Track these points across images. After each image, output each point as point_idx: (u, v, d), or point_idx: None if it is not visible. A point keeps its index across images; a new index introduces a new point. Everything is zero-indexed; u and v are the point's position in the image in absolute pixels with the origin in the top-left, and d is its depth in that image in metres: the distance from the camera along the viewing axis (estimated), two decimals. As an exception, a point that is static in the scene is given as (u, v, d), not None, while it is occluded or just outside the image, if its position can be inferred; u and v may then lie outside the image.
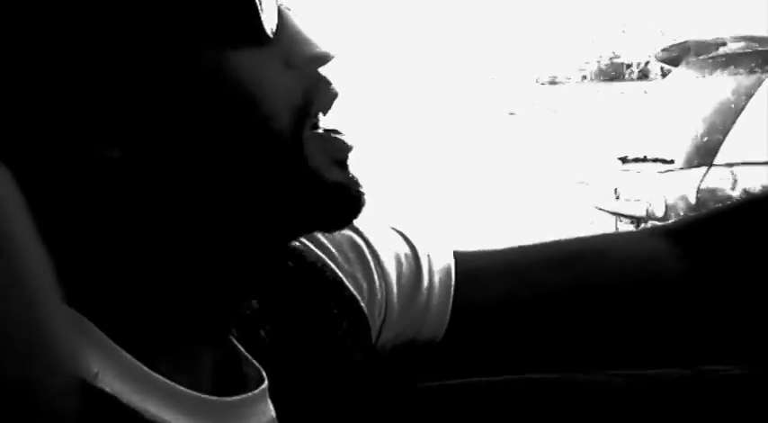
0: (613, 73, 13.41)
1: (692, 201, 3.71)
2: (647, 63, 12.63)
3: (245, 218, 0.45)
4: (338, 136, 0.47)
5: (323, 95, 0.47)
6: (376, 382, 0.59)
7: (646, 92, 7.32)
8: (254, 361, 0.51)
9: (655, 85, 7.52)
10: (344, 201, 0.47)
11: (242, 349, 0.51)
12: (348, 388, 0.56)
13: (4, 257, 0.28)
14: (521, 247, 0.67)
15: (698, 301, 0.63)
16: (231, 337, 0.51)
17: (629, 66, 13.36)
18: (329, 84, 0.47)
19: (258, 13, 0.44)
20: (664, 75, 8.09)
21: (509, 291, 0.63)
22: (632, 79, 12.85)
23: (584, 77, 13.62)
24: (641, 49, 12.59)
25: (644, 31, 12.91)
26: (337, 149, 0.47)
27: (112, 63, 0.40)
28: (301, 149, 0.45)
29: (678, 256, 0.63)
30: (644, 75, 12.83)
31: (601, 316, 0.63)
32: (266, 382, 0.50)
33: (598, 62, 13.69)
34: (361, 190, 0.48)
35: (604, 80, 13.24)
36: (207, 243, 0.45)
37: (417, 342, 0.63)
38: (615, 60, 13.53)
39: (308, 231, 0.54)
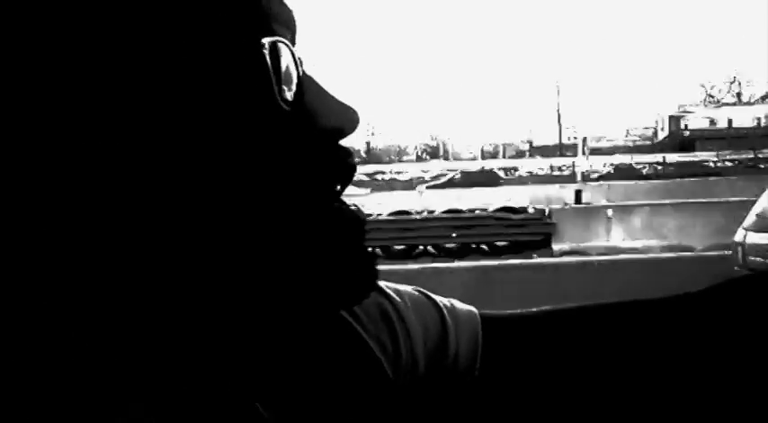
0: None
1: None
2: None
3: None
4: (353, 208, 0.47)
5: (341, 169, 0.46)
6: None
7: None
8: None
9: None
10: (357, 276, 0.47)
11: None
12: None
13: None
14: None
15: None
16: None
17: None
18: (349, 156, 0.46)
19: (271, 85, 0.43)
20: None
21: (536, 340, 0.62)
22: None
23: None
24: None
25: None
26: (353, 227, 0.46)
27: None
28: (317, 225, 0.44)
29: None
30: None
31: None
32: None
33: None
34: (375, 263, 0.48)
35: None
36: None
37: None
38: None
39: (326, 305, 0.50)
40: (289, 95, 0.44)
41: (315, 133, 0.44)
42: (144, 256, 0.41)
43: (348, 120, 0.46)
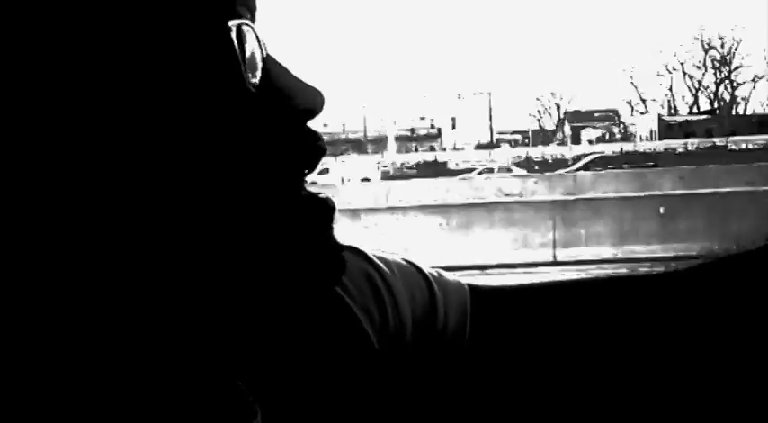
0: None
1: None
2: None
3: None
4: (322, 196, 0.46)
5: (309, 152, 0.45)
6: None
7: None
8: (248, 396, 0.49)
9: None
10: (324, 263, 0.47)
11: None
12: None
13: None
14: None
15: None
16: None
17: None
18: (318, 139, 0.46)
19: (239, 68, 0.42)
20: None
21: (525, 309, 0.62)
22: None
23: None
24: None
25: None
26: (320, 213, 0.46)
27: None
28: (284, 211, 0.44)
29: None
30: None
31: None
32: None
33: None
34: (341, 254, 0.47)
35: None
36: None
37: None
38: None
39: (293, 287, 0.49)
40: (254, 78, 0.43)
41: (282, 115, 0.44)
42: (112, 242, 0.41)
43: (314, 101, 0.46)
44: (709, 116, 57.55)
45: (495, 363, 0.61)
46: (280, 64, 0.46)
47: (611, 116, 69.64)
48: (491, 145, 63.59)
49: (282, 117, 0.44)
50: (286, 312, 0.52)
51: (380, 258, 0.60)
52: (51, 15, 0.39)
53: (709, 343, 0.60)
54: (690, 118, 57.54)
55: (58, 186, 0.40)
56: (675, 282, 0.61)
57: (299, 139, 0.45)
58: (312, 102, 0.45)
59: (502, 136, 76.35)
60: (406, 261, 0.62)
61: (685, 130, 53.41)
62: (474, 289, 0.63)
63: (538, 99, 76.39)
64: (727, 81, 60.68)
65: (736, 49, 61.20)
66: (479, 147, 62.22)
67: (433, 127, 73.42)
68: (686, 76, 60.99)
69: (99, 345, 0.42)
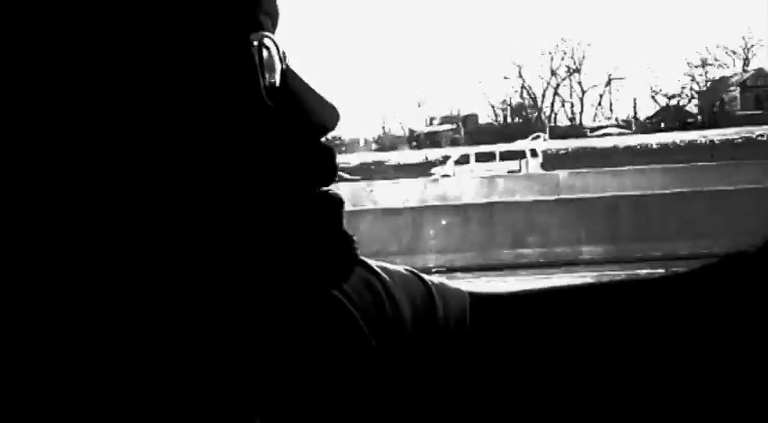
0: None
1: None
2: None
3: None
4: (332, 193, 0.46)
5: (323, 168, 0.46)
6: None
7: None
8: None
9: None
10: (336, 260, 0.47)
11: None
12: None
13: None
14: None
15: None
16: None
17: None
18: (332, 156, 0.46)
19: (258, 82, 0.43)
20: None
21: (524, 314, 0.63)
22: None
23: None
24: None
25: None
26: (333, 210, 0.46)
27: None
28: (299, 221, 0.45)
29: None
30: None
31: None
32: None
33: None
34: (355, 247, 0.48)
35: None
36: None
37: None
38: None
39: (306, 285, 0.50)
40: (272, 92, 0.43)
41: (299, 129, 0.44)
42: (123, 245, 0.41)
43: (330, 116, 0.46)
44: (455, 126, 59.38)
45: (493, 365, 0.62)
46: (299, 77, 0.46)
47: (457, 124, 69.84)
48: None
49: (297, 131, 0.44)
50: (290, 311, 0.52)
51: (380, 267, 0.61)
52: (76, 25, 0.40)
53: (709, 347, 0.61)
54: (436, 129, 59.43)
55: (74, 192, 0.40)
56: (673, 286, 0.63)
57: (312, 153, 0.45)
58: (328, 118, 0.46)
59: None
60: (407, 270, 0.64)
61: (431, 139, 55.42)
62: (474, 294, 0.64)
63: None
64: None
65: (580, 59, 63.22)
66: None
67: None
68: (524, 88, 62.77)
69: (99, 344, 0.42)
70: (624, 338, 0.62)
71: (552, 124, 57.02)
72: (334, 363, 0.55)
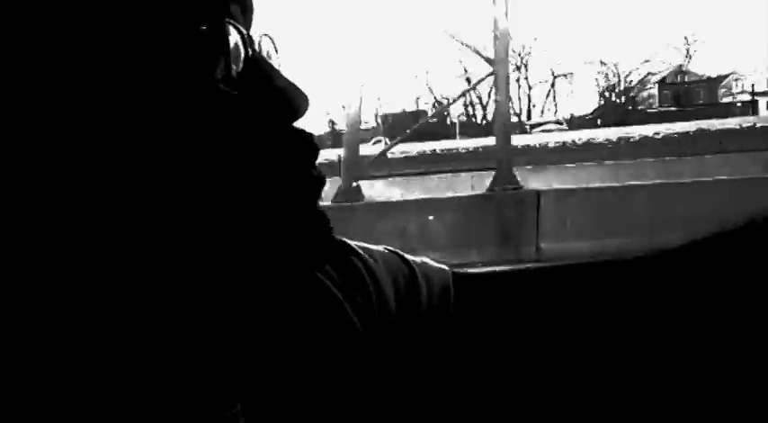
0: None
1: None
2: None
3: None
4: (315, 172, 0.46)
5: (301, 150, 0.45)
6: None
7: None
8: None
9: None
10: (312, 240, 0.46)
11: None
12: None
13: None
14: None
15: None
16: None
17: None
18: (309, 138, 0.46)
19: (214, 66, 0.42)
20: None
21: (508, 292, 0.63)
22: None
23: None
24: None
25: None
26: (307, 196, 0.46)
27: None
28: (272, 202, 0.44)
29: None
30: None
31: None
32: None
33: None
34: (329, 226, 0.47)
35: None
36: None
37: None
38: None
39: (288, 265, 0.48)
40: (235, 78, 0.43)
41: (267, 114, 0.44)
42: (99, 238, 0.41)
43: (299, 102, 0.45)
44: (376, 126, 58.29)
45: (478, 344, 0.62)
46: (268, 63, 0.46)
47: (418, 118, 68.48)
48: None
49: (266, 117, 0.44)
50: (272, 295, 0.51)
51: (363, 248, 0.61)
52: (26, 16, 0.39)
53: (695, 324, 0.60)
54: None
55: (39, 184, 0.40)
56: (660, 263, 0.62)
57: (283, 137, 0.45)
58: (298, 103, 0.45)
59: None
60: (389, 250, 0.64)
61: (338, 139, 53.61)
62: (457, 273, 0.65)
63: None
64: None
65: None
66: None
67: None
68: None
69: (98, 342, 0.42)
70: (610, 316, 0.61)
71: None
72: (319, 346, 0.54)
